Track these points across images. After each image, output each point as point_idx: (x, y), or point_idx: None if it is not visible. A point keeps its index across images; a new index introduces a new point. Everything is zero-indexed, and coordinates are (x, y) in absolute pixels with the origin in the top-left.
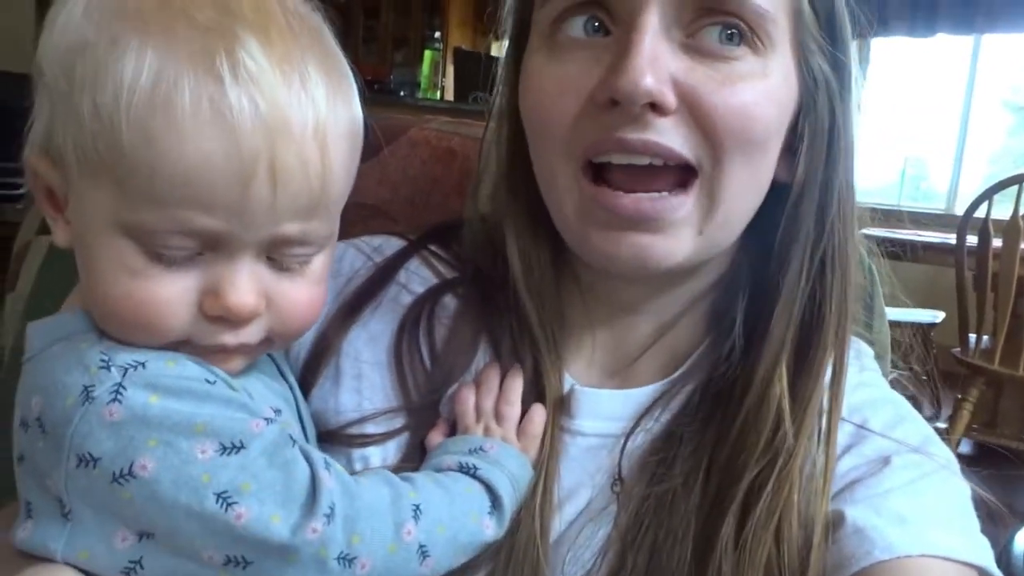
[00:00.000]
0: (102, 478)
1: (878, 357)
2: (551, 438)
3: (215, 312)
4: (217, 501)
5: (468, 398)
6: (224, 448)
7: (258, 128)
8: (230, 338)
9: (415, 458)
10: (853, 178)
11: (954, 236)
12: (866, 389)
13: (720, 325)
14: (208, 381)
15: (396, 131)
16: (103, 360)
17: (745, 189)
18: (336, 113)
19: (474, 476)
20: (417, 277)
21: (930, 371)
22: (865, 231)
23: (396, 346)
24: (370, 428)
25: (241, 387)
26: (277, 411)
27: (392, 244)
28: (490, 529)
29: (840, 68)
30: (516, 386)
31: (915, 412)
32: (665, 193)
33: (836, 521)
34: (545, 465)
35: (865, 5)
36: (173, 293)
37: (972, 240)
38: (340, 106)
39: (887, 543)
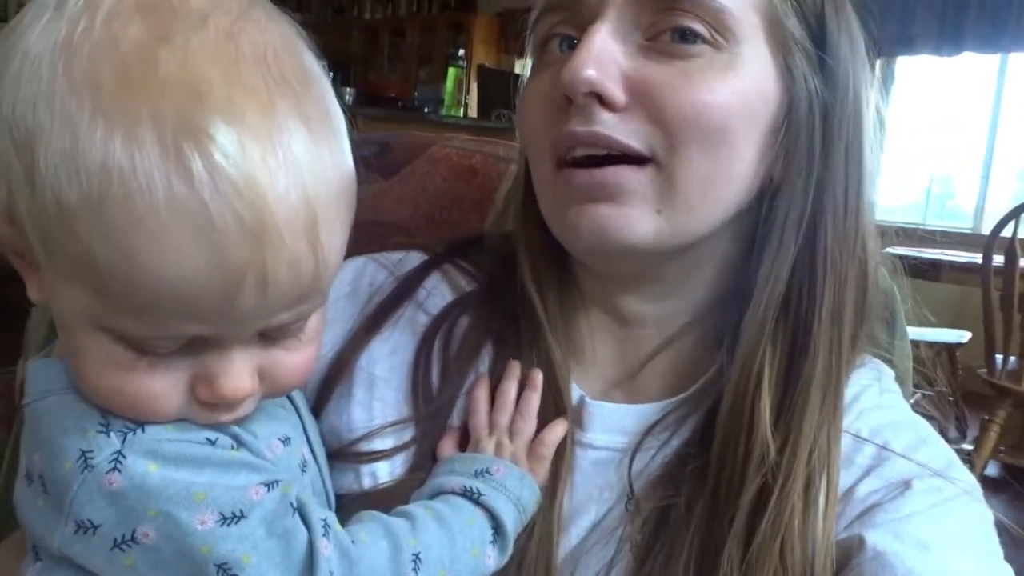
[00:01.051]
0: (102, 544)
1: (899, 380)
2: (564, 451)
3: (210, 400)
4: (217, 573)
5: (482, 409)
6: (224, 519)
7: (244, 240)
8: (226, 417)
9: (424, 468)
10: (863, 193)
11: (980, 255)
12: (887, 411)
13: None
14: (209, 440)
15: (417, 149)
16: (101, 424)
17: (708, 178)
18: (327, 185)
19: (477, 502)
20: (436, 293)
21: (955, 392)
22: (890, 249)
23: (414, 363)
24: (378, 444)
25: (244, 429)
26: (286, 440)
27: (412, 259)
28: (492, 559)
29: (832, 76)
30: (533, 401)
31: (937, 435)
32: (622, 167)
33: (855, 546)
34: (558, 478)
35: (890, 24)
36: (164, 385)
37: (999, 260)
38: (330, 170)
39: (907, 569)
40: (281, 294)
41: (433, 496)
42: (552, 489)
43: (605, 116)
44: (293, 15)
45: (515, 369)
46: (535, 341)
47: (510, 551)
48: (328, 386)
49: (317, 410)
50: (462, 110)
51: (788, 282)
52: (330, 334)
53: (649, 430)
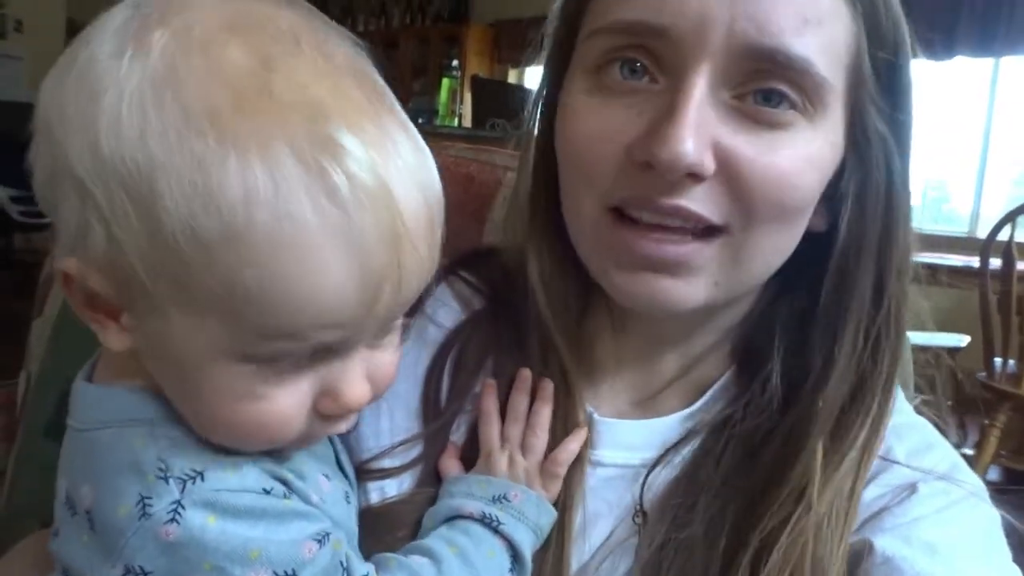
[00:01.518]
0: None
1: (902, 384)
2: (577, 469)
3: (334, 411)
4: None
5: (493, 420)
6: None
7: (384, 244)
8: (344, 426)
9: (429, 484)
10: (910, 230)
11: (976, 259)
12: (891, 416)
13: (748, 360)
14: (266, 491)
15: None
16: (160, 469)
17: (773, 250)
18: (435, 187)
19: (496, 531)
20: (443, 306)
21: (955, 396)
22: None
23: (425, 380)
24: (387, 463)
25: (292, 471)
26: (326, 476)
27: None
28: None
29: (898, 126)
30: (545, 415)
31: (942, 439)
32: (689, 238)
33: (864, 551)
34: (570, 496)
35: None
36: (290, 406)
37: (995, 263)
38: (433, 172)
39: (916, 573)
40: (410, 295)
41: (449, 519)
42: (564, 507)
43: (694, 189)
44: None
45: (526, 379)
46: (545, 357)
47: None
48: None
49: None
50: (456, 120)
51: (859, 318)
52: None
53: (669, 449)
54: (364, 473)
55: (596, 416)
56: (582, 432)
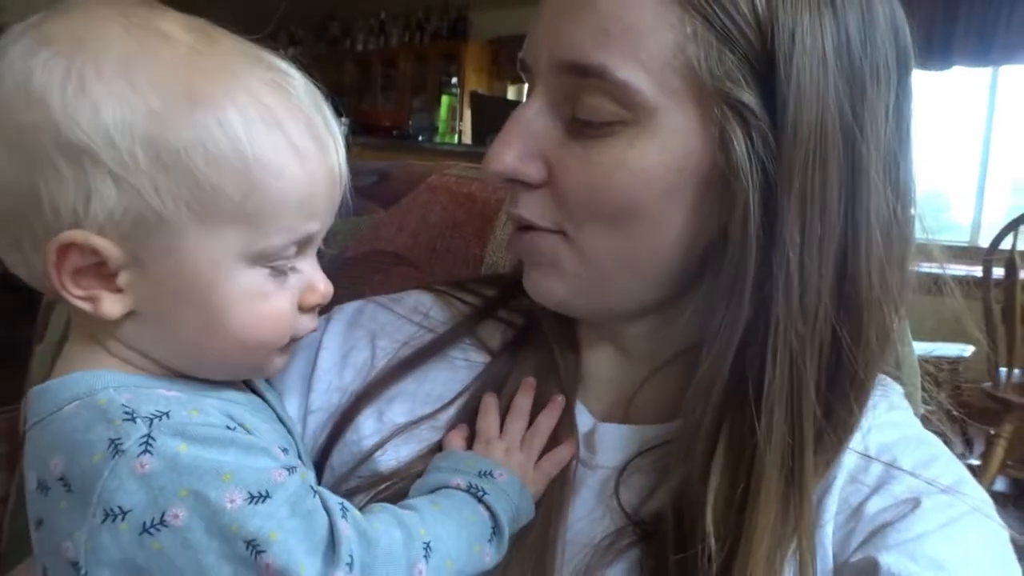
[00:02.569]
0: (130, 531)
1: (907, 396)
2: (572, 471)
3: (313, 303)
4: (247, 549)
5: (493, 413)
6: (251, 497)
7: (332, 142)
8: (313, 322)
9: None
10: (852, 246)
11: (979, 268)
12: (896, 428)
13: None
14: (229, 428)
15: (416, 178)
16: (127, 412)
17: (620, 250)
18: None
19: (480, 500)
20: (441, 311)
21: (960, 407)
22: None
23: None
24: (391, 450)
25: (253, 429)
26: (284, 450)
27: (412, 296)
28: (489, 557)
29: (785, 114)
30: (549, 423)
31: (948, 451)
32: (543, 234)
33: (870, 569)
34: (563, 499)
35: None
36: (286, 301)
37: (997, 272)
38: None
39: None
40: (341, 192)
41: (435, 490)
42: (557, 509)
43: (524, 196)
44: (287, 49)
45: (531, 385)
46: (550, 368)
47: (505, 551)
48: (347, 418)
49: (332, 443)
50: (456, 137)
51: (736, 349)
52: (335, 365)
53: (638, 454)
54: (366, 458)
55: (597, 422)
56: (572, 443)
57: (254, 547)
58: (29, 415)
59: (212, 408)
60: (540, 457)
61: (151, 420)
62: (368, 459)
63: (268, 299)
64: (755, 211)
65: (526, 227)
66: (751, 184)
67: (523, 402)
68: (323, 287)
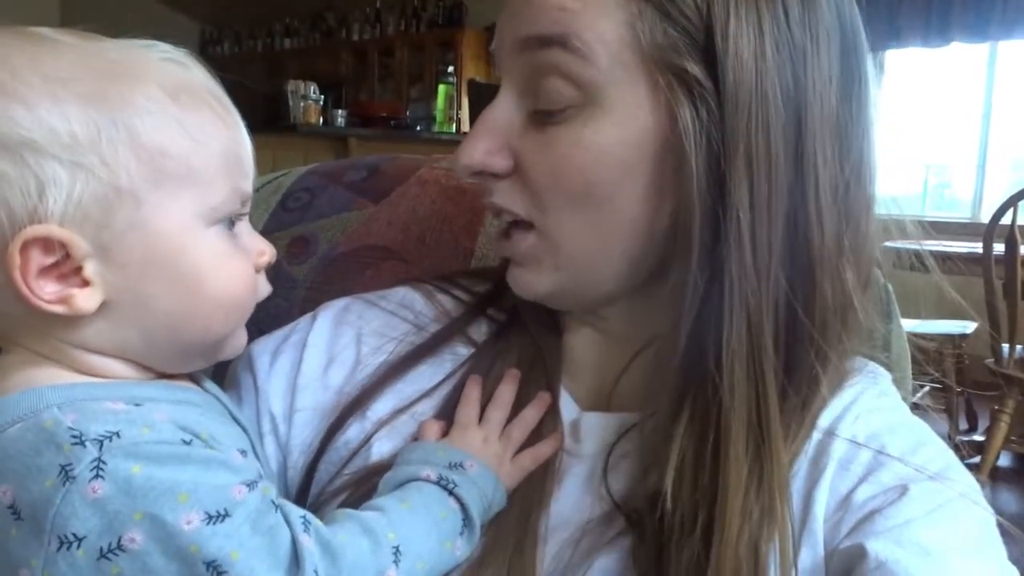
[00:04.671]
0: (87, 556)
1: (897, 382)
2: (557, 461)
3: (263, 264)
4: (208, 570)
5: (473, 402)
6: (209, 518)
7: (235, 114)
8: (268, 286)
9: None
10: (801, 215)
11: (979, 244)
12: (884, 414)
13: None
14: (184, 442)
15: (406, 172)
16: (74, 436)
17: (590, 235)
18: None
19: (451, 492)
20: (425, 306)
21: (963, 383)
22: (889, 244)
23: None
24: (375, 446)
25: (210, 437)
26: (243, 452)
27: (398, 293)
28: (460, 551)
29: (726, 88)
30: (533, 417)
31: (936, 438)
32: (519, 231)
33: (857, 556)
34: (545, 490)
35: (877, 17)
36: (247, 262)
37: (998, 248)
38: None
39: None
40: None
41: (404, 484)
42: (538, 497)
43: (496, 185)
44: (284, 40)
45: (515, 377)
46: (534, 358)
47: (476, 542)
48: (337, 425)
49: (322, 447)
50: (455, 125)
51: (697, 314)
52: (324, 364)
53: (619, 439)
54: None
55: (582, 411)
56: (557, 437)
57: (215, 568)
58: None
59: (164, 423)
60: (521, 450)
61: (101, 442)
62: (354, 456)
63: (232, 258)
64: (702, 175)
65: (506, 230)
66: (698, 150)
67: (506, 392)
68: (268, 248)
